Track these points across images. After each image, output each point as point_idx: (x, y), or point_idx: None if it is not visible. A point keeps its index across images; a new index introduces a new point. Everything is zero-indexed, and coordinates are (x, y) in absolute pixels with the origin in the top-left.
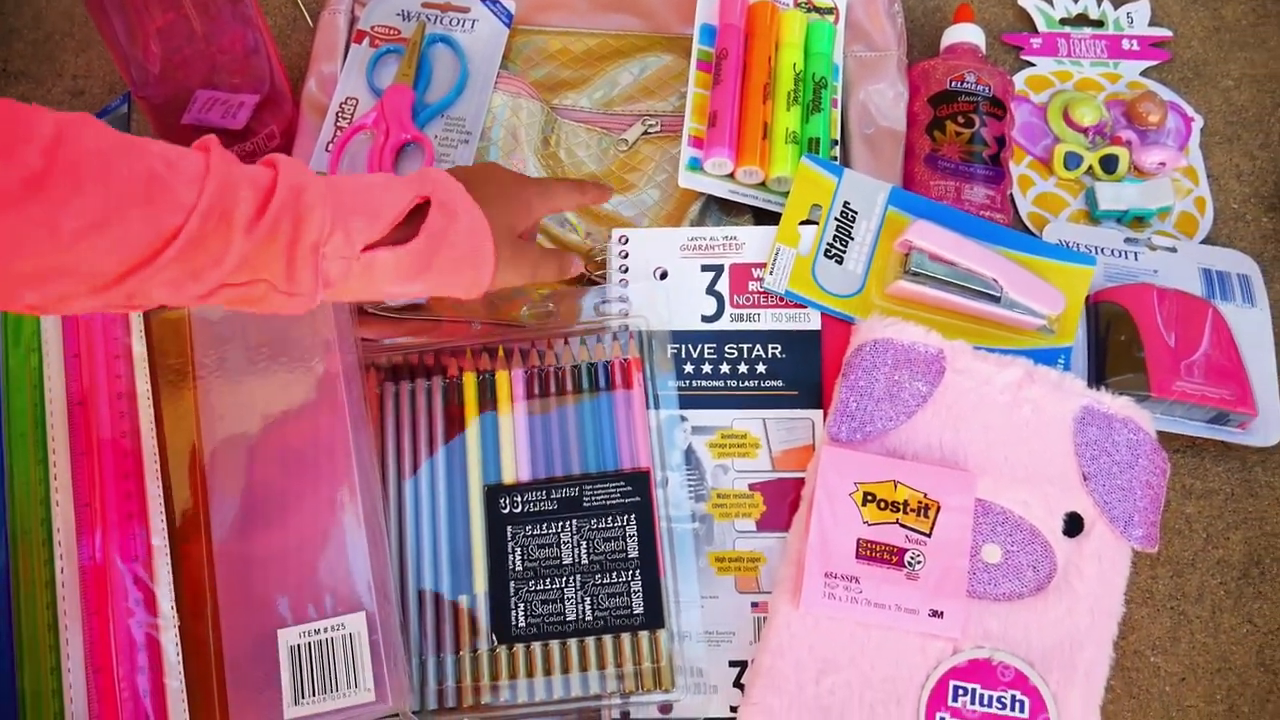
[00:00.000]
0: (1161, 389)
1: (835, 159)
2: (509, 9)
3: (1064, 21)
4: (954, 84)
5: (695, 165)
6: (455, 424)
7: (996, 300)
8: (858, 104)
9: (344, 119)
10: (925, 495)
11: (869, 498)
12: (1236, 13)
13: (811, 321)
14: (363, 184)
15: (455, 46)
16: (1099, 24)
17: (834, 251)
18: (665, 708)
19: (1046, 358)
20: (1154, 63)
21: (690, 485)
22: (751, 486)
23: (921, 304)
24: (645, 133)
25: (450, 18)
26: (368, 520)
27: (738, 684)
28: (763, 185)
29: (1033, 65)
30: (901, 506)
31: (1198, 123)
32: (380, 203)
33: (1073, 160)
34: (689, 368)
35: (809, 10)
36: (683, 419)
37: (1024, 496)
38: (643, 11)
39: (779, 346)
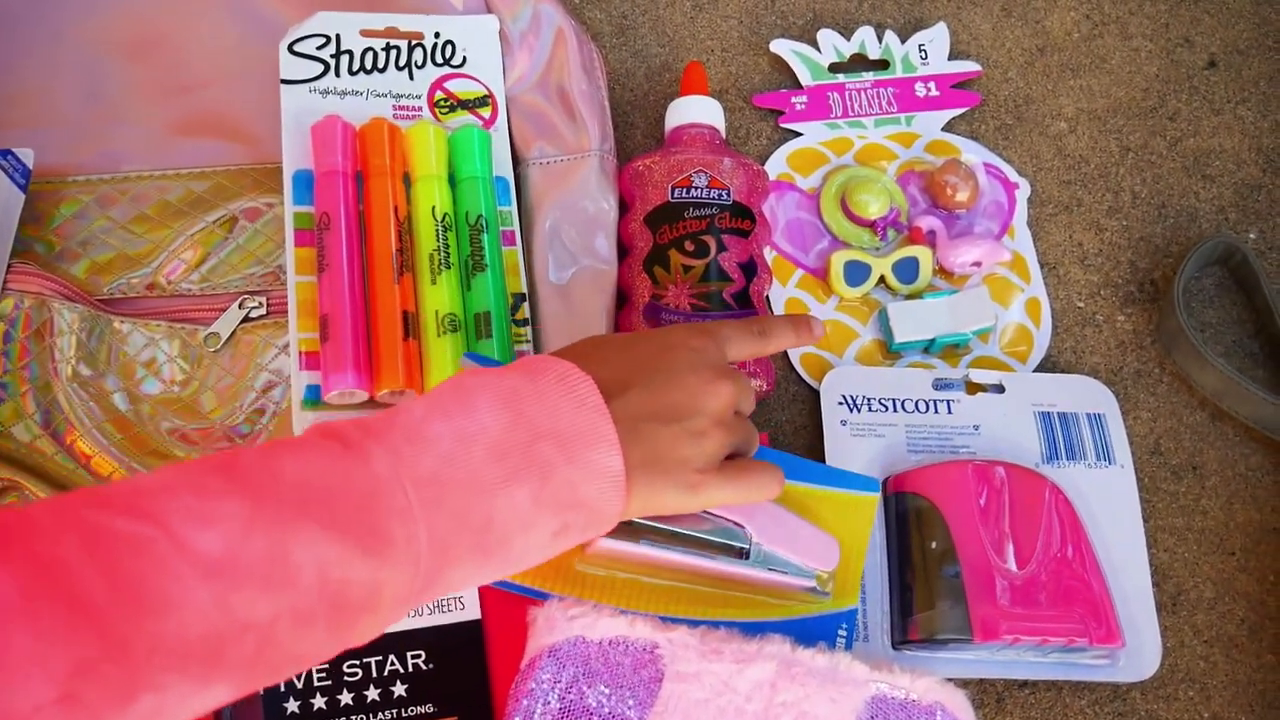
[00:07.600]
0: (988, 632)
1: (526, 321)
2: (25, 163)
3: (835, 68)
4: (678, 193)
5: (313, 399)
6: None
7: (744, 556)
8: (544, 236)
9: None
10: None
11: None
12: (1066, 24)
13: (467, 609)
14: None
15: None
16: (883, 65)
17: None
18: None
19: (820, 630)
20: (960, 110)
21: None
22: None
23: (638, 564)
24: (246, 318)
25: None
26: None
27: None
28: None
29: (799, 135)
30: None
31: (1023, 190)
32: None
33: (857, 272)
34: (293, 707)
35: (451, 109)
36: None
37: None
38: (241, 133)
39: (422, 654)
